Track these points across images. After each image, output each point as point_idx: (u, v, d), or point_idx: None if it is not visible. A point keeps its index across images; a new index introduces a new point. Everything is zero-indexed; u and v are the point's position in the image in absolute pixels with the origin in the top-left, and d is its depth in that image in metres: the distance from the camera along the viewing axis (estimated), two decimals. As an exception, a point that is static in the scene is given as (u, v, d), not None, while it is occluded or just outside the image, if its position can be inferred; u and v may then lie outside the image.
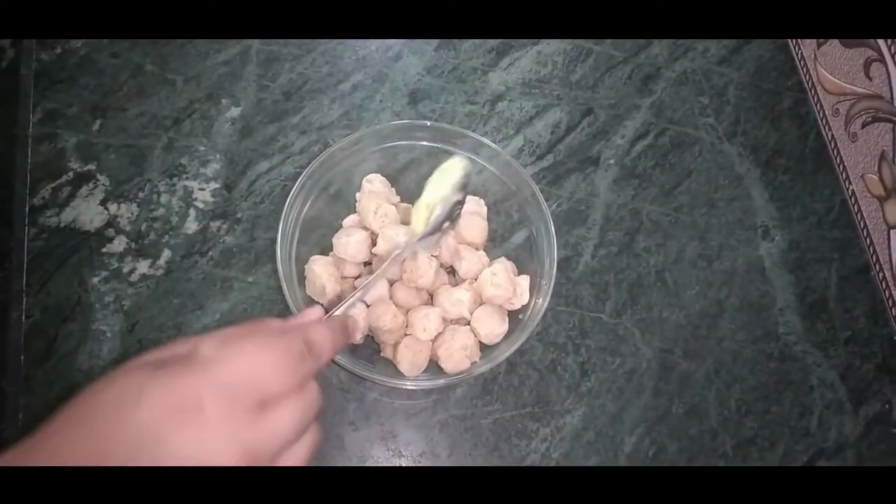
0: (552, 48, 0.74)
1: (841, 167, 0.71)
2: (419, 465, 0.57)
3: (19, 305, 0.59)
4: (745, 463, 0.60)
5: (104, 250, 0.61)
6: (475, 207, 0.63)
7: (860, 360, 0.64)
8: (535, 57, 0.74)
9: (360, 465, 0.57)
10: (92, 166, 0.64)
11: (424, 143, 0.65)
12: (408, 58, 0.72)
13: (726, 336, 0.64)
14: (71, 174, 0.64)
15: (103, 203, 0.63)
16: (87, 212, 0.62)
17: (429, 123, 0.64)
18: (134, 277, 0.61)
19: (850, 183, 0.70)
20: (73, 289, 0.60)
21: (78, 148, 0.65)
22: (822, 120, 0.74)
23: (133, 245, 0.62)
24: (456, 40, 0.73)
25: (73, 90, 0.67)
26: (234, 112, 0.68)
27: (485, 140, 0.64)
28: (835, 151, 0.72)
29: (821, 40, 0.72)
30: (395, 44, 0.73)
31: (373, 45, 0.72)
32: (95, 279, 0.60)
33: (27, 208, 0.62)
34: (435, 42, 0.73)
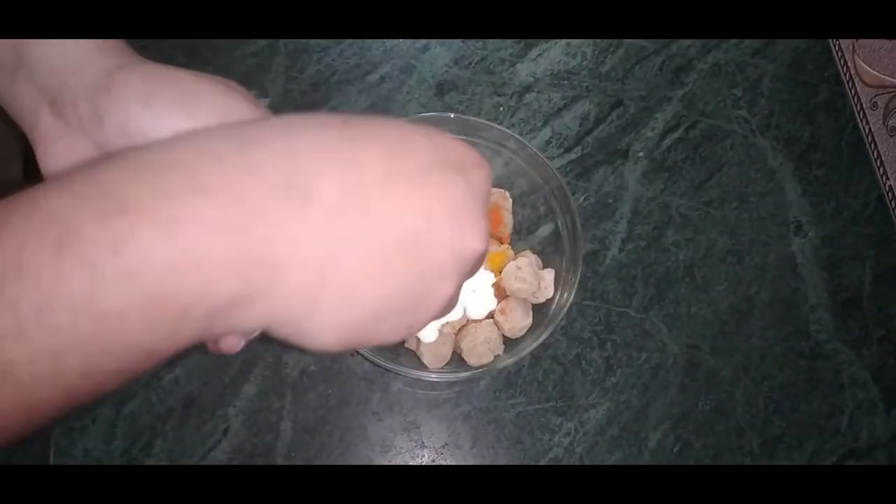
0: (581, 40, 0.73)
1: (878, 162, 0.69)
2: (441, 455, 0.58)
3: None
4: (772, 461, 0.59)
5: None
6: (500, 200, 0.63)
7: (894, 360, 0.63)
8: (564, 48, 0.73)
9: (383, 454, 0.57)
10: (123, 156, 0.65)
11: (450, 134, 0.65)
12: (435, 49, 0.72)
13: (755, 333, 0.63)
14: (103, 164, 0.65)
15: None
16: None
17: (452, 115, 0.64)
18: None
19: (887, 178, 0.69)
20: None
21: (110, 138, 0.66)
22: (859, 113, 0.72)
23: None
24: (484, 31, 0.73)
25: (105, 81, 0.68)
26: (263, 103, 0.68)
27: (511, 132, 0.63)
28: (872, 146, 0.70)
29: (859, 31, 0.71)
30: (423, 35, 0.72)
31: (401, 36, 0.72)
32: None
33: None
34: (463, 33, 0.73)
